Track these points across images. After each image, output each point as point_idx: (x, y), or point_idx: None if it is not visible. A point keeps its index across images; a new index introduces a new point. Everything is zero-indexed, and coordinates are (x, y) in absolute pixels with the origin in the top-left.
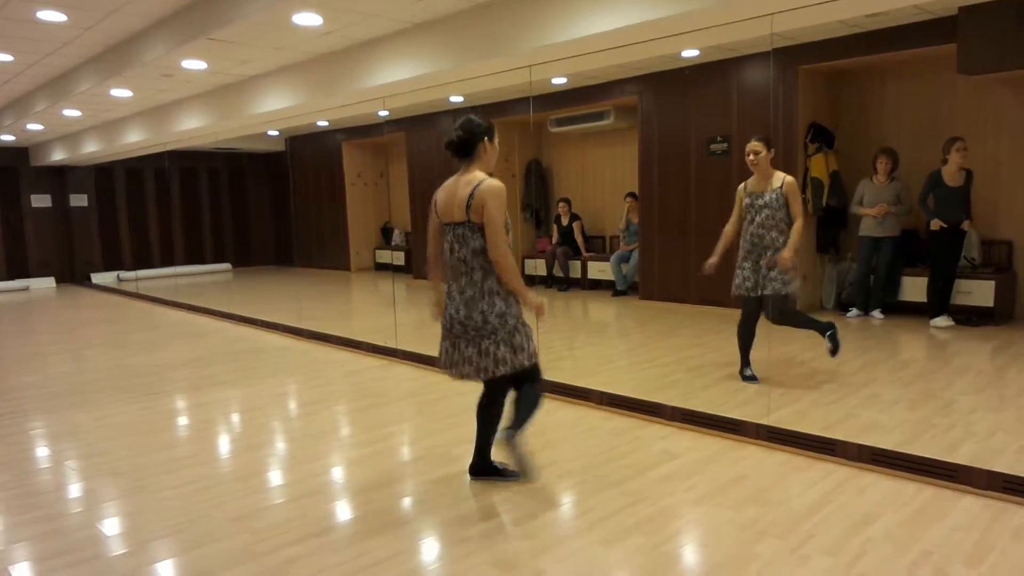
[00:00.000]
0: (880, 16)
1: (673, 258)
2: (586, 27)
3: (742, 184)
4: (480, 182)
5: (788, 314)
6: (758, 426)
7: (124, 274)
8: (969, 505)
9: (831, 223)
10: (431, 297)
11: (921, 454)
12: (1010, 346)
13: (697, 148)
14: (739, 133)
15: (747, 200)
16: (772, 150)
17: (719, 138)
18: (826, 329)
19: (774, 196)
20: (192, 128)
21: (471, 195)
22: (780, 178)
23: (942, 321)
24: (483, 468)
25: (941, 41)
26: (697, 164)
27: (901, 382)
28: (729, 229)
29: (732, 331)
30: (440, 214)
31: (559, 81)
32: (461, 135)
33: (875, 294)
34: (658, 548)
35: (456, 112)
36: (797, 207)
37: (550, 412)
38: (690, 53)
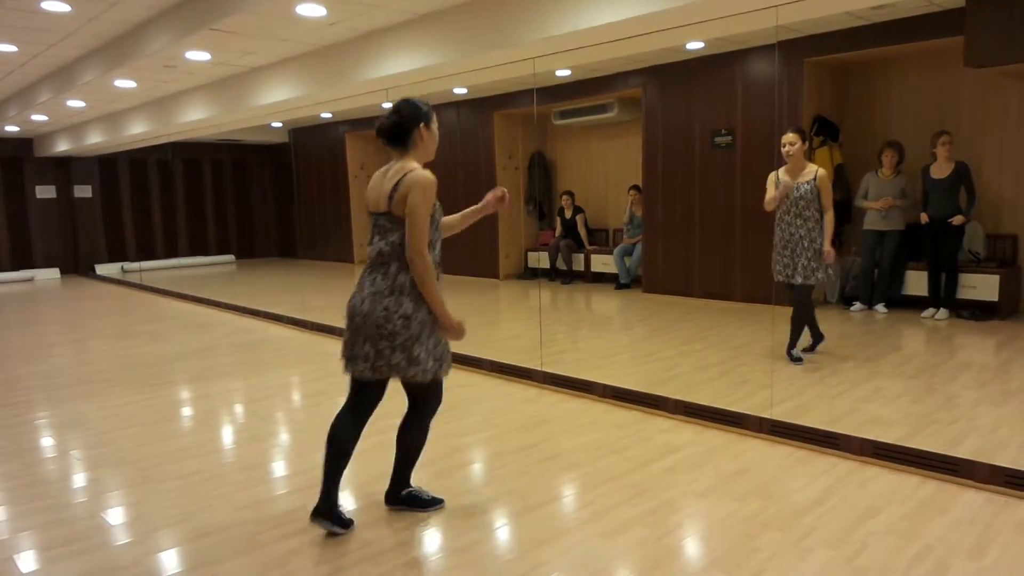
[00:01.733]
0: (886, 8)
1: (677, 251)
2: (590, 18)
3: (774, 172)
4: (407, 172)
5: (803, 305)
6: (761, 419)
7: (128, 265)
8: (971, 499)
9: (835, 217)
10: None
11: (924, 448)
12: (1014, 340)
13: (701, 141)
14: (744, 126)
15: (777, 191)
16: (807, 142)
17: (723, 131)
18: (817, 339)
19: (808, 188)
20: (196, 120)
21: (395, 185)
22: (813, 170)
23: (930, 312)
24: (395, 497)
25: (948, 33)
26: (701, 157)
27: (904, 376)
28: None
29: (735, 324)
30: (368, 203)
31: (563, 73)
32: (394, 119)
33: (879, 288)
34: (660, 540)
35: (460, 104)
36: (828, 199)
37: (553, 404)
38: (695, 45)
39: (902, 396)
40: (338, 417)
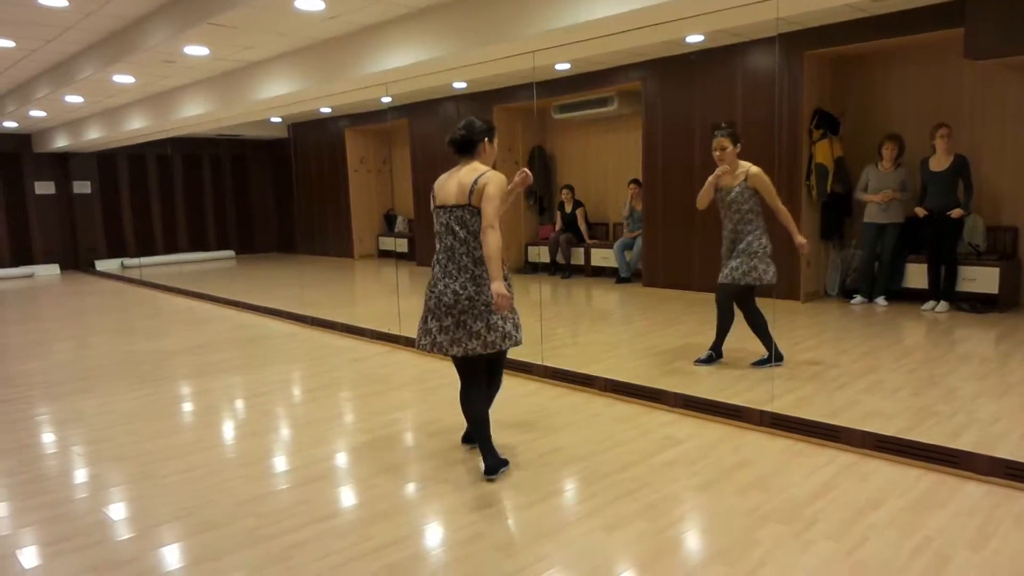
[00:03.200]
0: (886, 0)
1: (677, 245)
2: (590, 12)
3: (711, 178)
4: (485, 171)
5: (726, 304)
6: (761, 413)
7: (128, 261)
8: (972, 491)
9: (835, 210)
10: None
11: (924, 441)
12: (1014, 333)
13: (701, 134)
14: (744, 119)
15: (717, 195)
16: (739, 144)
17: (724, 124)
18: (771, 357)
19: (739, 190)
20: (195, 115)
21: (475, 180)
22: (744, 169)
23: (930, 305)
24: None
25: (948, 26)
26: (701, 151)
27: (905, 369)
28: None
29: (736, 318)
30: (437, 199)
31: (563, 67)
32: (464, 134)
33: (879, 281)
34: (661, 534)
35: (459, 98)
36: (771, 196)
37: (554, 399)
38: (695, 38)
39: (902, 389)
40: (463, 398)
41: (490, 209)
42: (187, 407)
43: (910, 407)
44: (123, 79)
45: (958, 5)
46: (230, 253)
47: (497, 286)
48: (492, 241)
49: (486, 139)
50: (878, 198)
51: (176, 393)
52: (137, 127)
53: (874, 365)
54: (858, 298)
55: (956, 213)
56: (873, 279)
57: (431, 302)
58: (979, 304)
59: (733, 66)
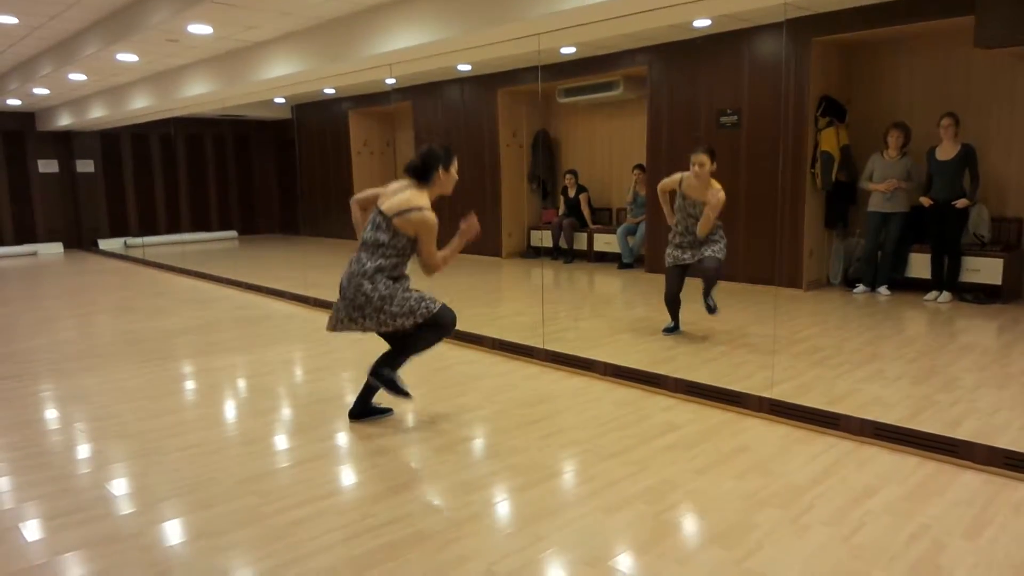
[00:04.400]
0: None
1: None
2: None
3: (679, 175)
4: (420, 209)
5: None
6: (761, 399)
7: (131, 240)
8: (970, 480)
9: (840, 198)
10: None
11: (924, 429)
12: (1017, 324)
13: (707, 120)
14: (750, 105)
15: (680, 201)
16: (715, 163)
17: (729, 110)
18: (671, 329)
19: (703, 206)
20: (198, 94)
21: (408, 211)
22: (715, 191)
23: (933, 295)
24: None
25: (958, 14)
26: (707, 136)
27: (906, 358)
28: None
29: (738, 305)
30: (382, 195)
31: (568, 51)
32: (417, 163)
33: (882, 270)
34: (659, 516)
35: (463, 81)
36: (714, 212)
37: (555, 382)
38: (702, 23)
39: (903, 378)
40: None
41: (429, 249)
42: (189, 386)
43: (910, 396)
44: (126, 58)
45: None
46: (233, 234)
47: (455, 250)
48: (436, 270)
49: (441, 168)
50: (883, 187)
51: (178, 372)
52: (140, 106)
53: (875, 354)
54: (861, 287)
55: (961, 203)
56: (876, 268)
57: (342, 281)
58: (982, 295)
59: (740, 52)
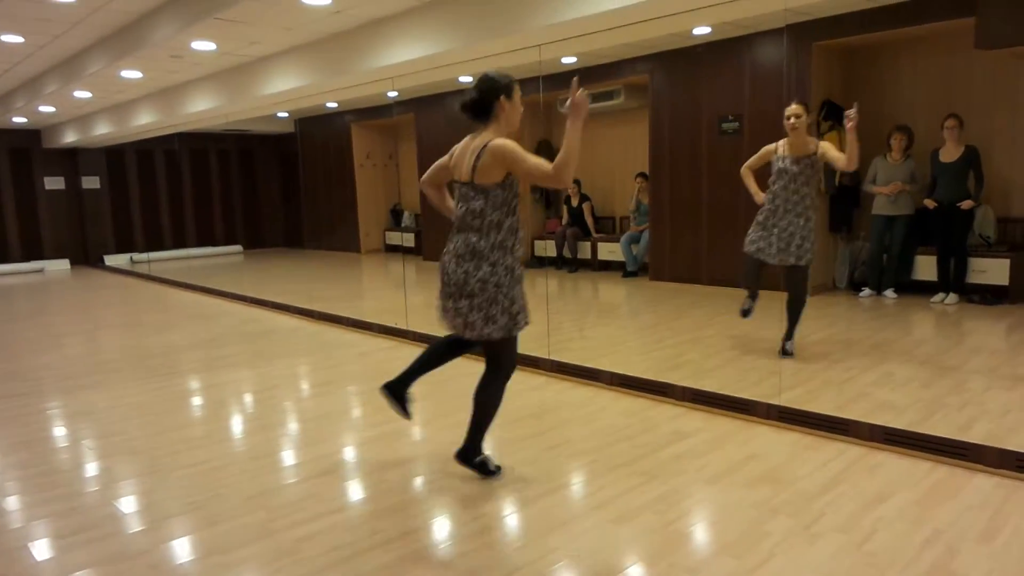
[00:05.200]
0: None
1: (684, 238)
2: (597, 4)
3: (773, 144)
4: (485, 143)
5: (798, 292)
6: (769, 406)
7: (137, 256)
8: (982, 484)
9: (844, 202)
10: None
11: (934, 433)
12: None
13: (708, 127)
14: (751, 112)
15: (779, 164)
16: (810, 115)
17: (731, 117)
18: (788, 337)
19: (808, 163)
20: (202, 110)
21: (477, 157)
22: (814, 145)
23: (939, 297)
24: (467, 457)
25: (958, 15)
26: (708, 143)
27: (914, 361)
28: (747, 170)
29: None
30: (452, 167)
31: (569, 60)
32: (474, 96)
33: (888, 273)
34: (670, 526)
35: (466, 93)
36: (836, 155)
37: (561, 392)
38: (702, 30)
39: (912, 381)
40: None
41: (527, 167)
42: (196, 401)
43: (920, 399)
44: (131, 74)
45: None
46: (238, 248)
47: (577, 135)
48: (564, 172)
49: (502, 96)
50: (887, 190)
51: (185, 387)
52: (145, 122)
53: (883, 357)
54: (867, 291)
55: (966, 204)
56: (882, 271)
57: (446, 266)
58: (989, 296)
59: (740, 58)
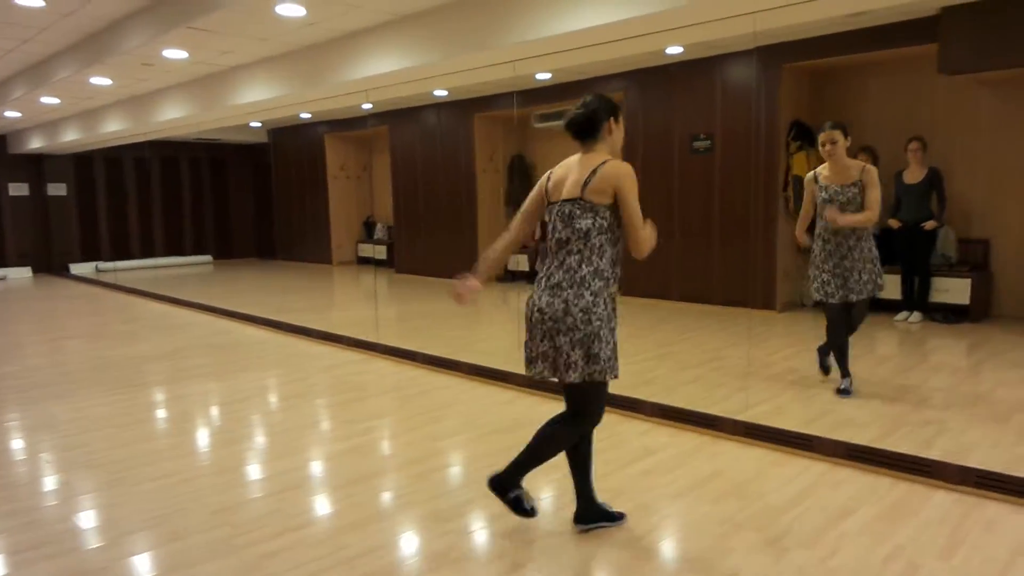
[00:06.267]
0: (863, 15)
1: (655, 255)
2: (571, 22)
3: (811, 173)
4: (605, 160)
5: (859, 324)
6: (736, 422)
7: (103, 265)
8: (942, 500)
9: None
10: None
11: (896, 450)
12: (986, 343)
13: (681, 145)
14: (722, 130)
15: (824, 195)
16: (849, 138)
17: (702, 135)
18: (845, 374)
19: (855, 191)
20: (173, 118)
21: (593, 171)
22: (859, 169)
23: (903, 315)
24: (588, 514)
25: (923, 41)
26: (680, 161)
27: (877, 378)
28: (803, 214)
29: (712, 327)
30: (549, 191)
31: (543, 76)
32: (583, 113)
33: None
34: (637, 542)
35: (440, 106)
36: (873, 195)
37: (531, 407)
38: (674, 50)
39: (875, 398)
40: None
41: (634, 211)
42: (161, 413)
43: (883, 416)
44: (100, 81)
45: (933, 21)
46: (208, 258)
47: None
48: (647, 243)
49: (611, 119)
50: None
51: (150, 399)
52: (114, 129)
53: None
54: None
55: (929, 225)
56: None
57: (527, 311)
58: (951, 315)
59: (712, 78)
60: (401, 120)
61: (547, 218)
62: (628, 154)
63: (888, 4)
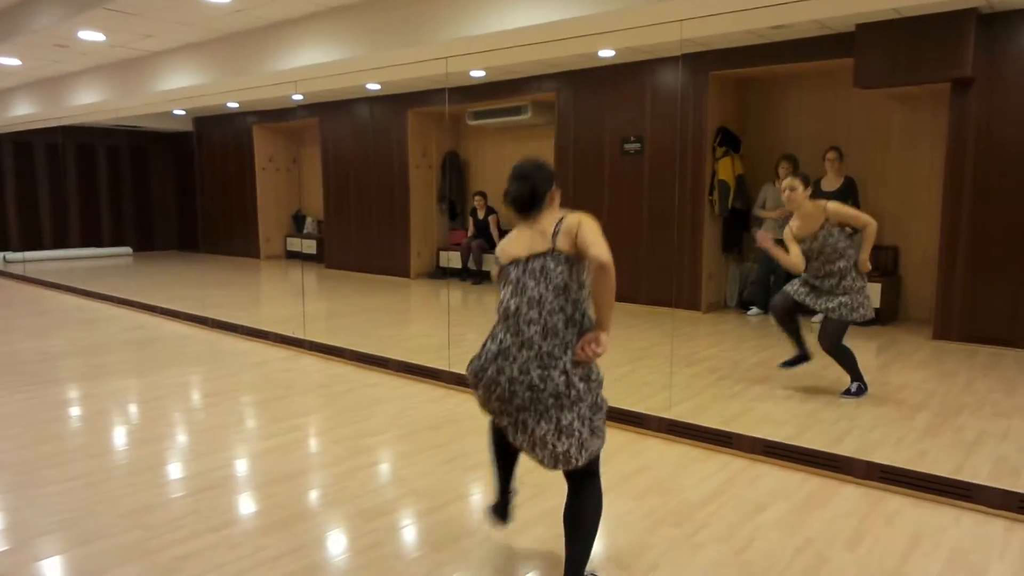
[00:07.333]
0: (784, 28)
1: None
2: (502, 21)
3: (787, 228)
4: (563, 216)
5: (837, 344)
6: (660, 419)
7: (10, 255)
8: (849, 493)
9: (735, 224)
10: None
11: (809, 446)
12: (893, 345)
13: (611, 146)
14: (652, 134)
15: (803, 246)
16: (810, 187)
17: (633, 138)
18: (856, 380)
19: (824, 234)
20: (89, 103)
21: (559, 222)
22: (822, 209)
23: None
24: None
25: (839, 55)
26: (611, 162)
27: (795, 378)
28: (792, 264)
29: (639, 327)
30: (502, 256)
31: (478, 74)
32: (530, 187)
33: (774, 293)
34: (560, 538)
35: (373, 100)
36: (854, 218)
37: (460, 404)
38: (606, 53)
39: (792, 397)
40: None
41: (601, 243)
42: (73, 411)
43: (798, 414)
44: (7, 61)
45: (849, 37)
46: (127, 250)
47: (605, 337)
48: (611, 279)
49: (553, 186)
50: (774, 215)
51: (61, 396)
52: (23, 113)
53: (767, 374)
54: (754, 309)
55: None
56: (768, 292)
57: (480, 390)
58: None
59: (642, 82)
60: (332, 112)
61: (506, 281)
62: (560, 154)
63: (807, 18)
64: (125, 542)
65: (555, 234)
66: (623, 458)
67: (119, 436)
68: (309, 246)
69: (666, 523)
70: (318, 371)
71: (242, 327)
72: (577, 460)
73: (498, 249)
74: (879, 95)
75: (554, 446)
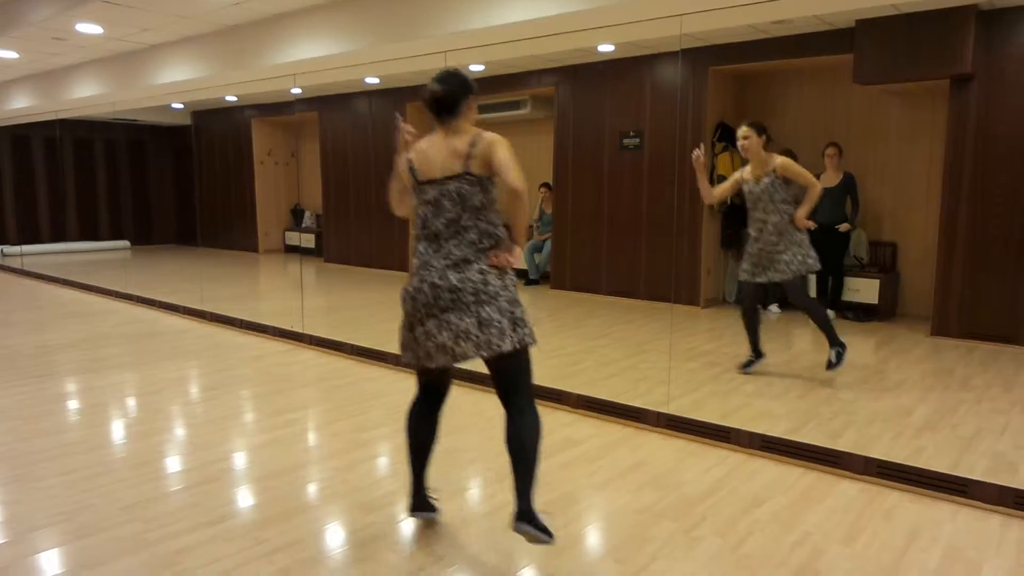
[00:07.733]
0: (785, 23)
1: (585, 249)
2: (503, 15)
3: (738, 171)
4: (481, 133)
5: (804, 299)
6: (658, 414)
7: (8, 249)
8: (847, 488)
9: (734, 220)
10: None
11: (807, 441)
12: (892, 341)
13: (610, 141)
14: (651, 129)
15: (746, 188)
16: (764, 135)
17: (632, 132)
18: (835, 344)
19: (768, 181)
20: (87, 96)
21: (473, 143)
22: (773, 161)
23: (775, 308)
24: (421, 503)
25: (839, 51)
26: (610, 157)
27: (793, 373)
28: (718, 191)
29: (638, 321)
30: (419, 172)
31: (476, 68)
32: (446, 89)
33: (772, 289)
34: (558, 532)
35: (372, 94)
36: (802, 176)
37: (457, 399)
38: (606, 48)
39: (790, 392)
40: (413, 414)
41: (515, 170)
42: (71, 405)
43: (796, 409)
44: (4, 54)
45: (849, 32)
46: (125, 243)
47: (518, 249)
48: (525, 203)
49: (470, 96)
50: None
51: (59, 390)
52: (21, 106)
53: (765, 369)
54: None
55: (844, 227)
56: (766, 288)
57: (406, 305)
58: (861, 313)
59: (642, 77)
60: (332, 106)
61: (422, 199)
62: (559, 148)
63: (807, 13)
64: (123, 535)
65: (469, 157)
66: (621, 452)
67: (117, 429)
68: (308, 240)
69: (664, 517)
70: (317, 365)
71: (241, 321)
72: (500, 346)
73: (415, 153)
74: (878, 91)
75: (478, 336)
